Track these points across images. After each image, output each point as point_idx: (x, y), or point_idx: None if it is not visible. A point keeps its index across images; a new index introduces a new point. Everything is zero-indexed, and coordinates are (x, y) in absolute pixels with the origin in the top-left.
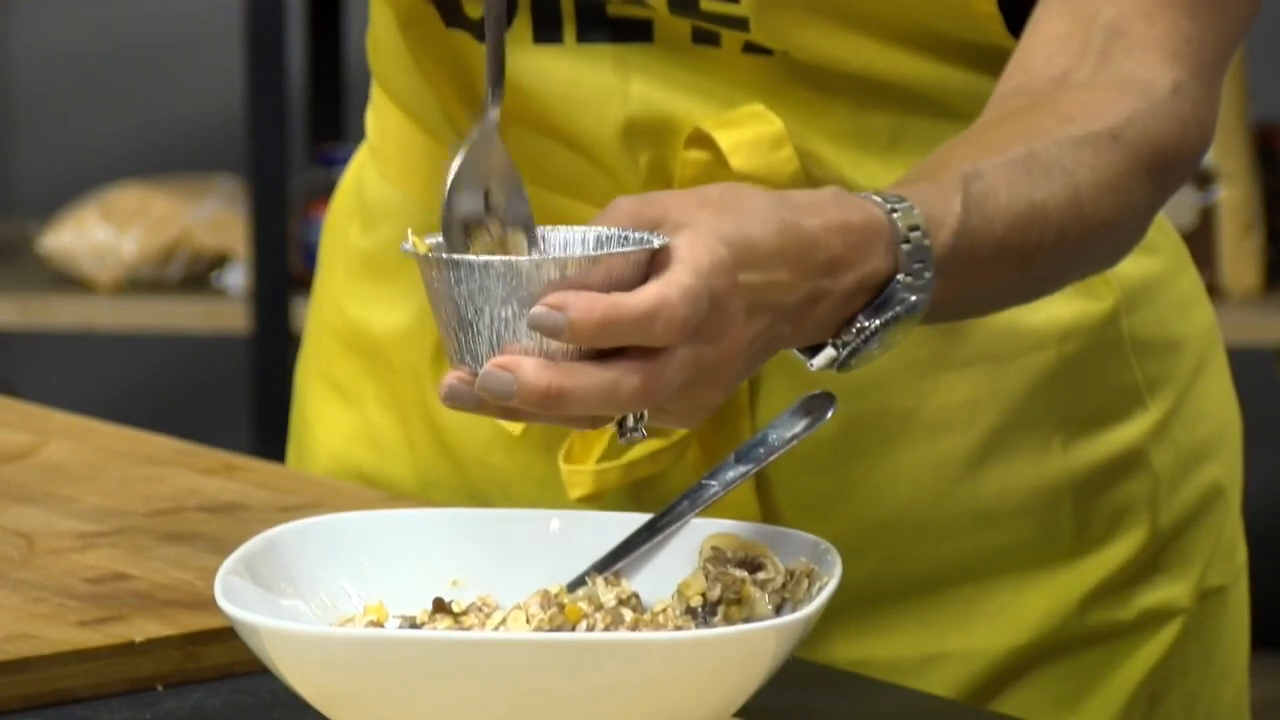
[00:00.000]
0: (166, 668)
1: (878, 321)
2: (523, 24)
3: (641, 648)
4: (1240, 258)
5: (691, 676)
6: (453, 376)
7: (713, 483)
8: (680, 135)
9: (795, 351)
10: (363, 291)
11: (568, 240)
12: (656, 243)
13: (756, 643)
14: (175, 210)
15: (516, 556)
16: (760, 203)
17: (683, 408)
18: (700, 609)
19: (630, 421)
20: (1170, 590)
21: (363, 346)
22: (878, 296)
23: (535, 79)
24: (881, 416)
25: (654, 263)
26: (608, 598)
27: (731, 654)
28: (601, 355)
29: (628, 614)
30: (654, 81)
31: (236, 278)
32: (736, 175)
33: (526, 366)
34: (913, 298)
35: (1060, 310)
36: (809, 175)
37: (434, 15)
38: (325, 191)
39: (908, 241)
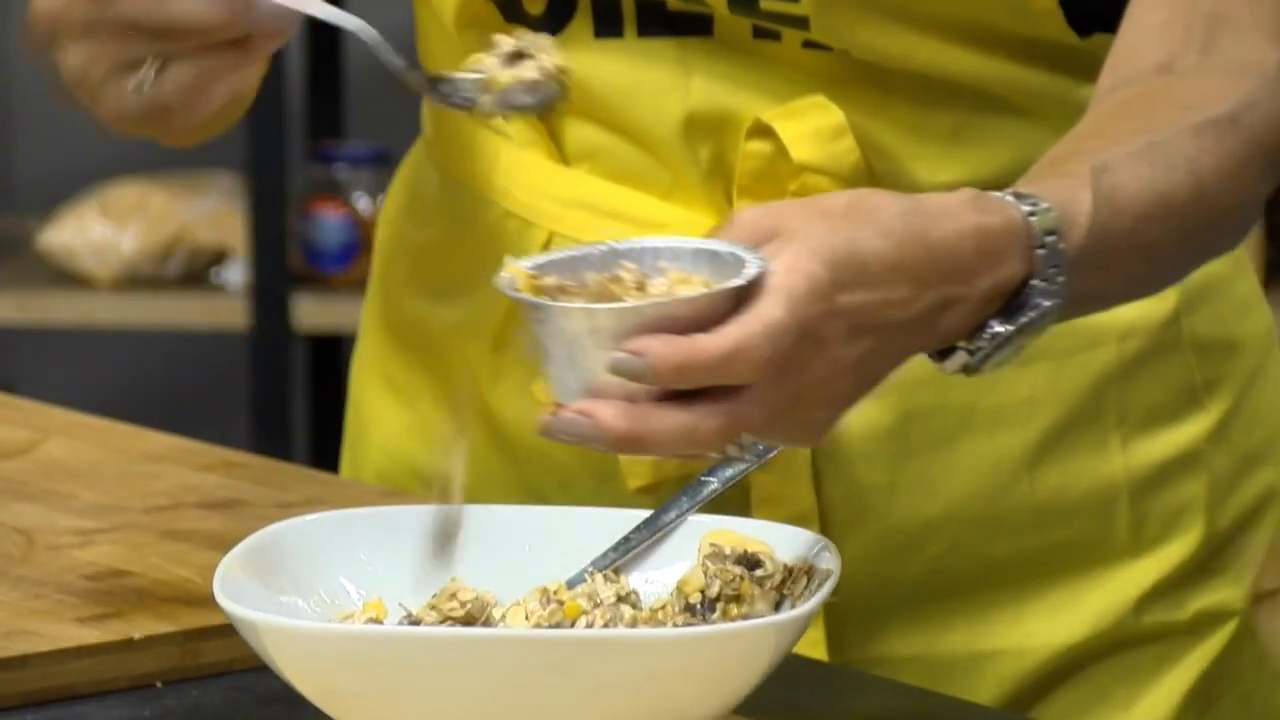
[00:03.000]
0: (166, 664)
1: (1012, 327)
2: (583, 19)
3: (640, 645)
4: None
5: (690, 673)
6: (547, 412)
7: (712, 479)
8: (741, 129)
9: (926, 356)
10: (418, 285)
11: (667, 251)
12: (747, 274)
13: (755, 640)
14: (174, 206)
15: (516, 553)
16: (887, 213)
17: (790, 430)
18: (699, 606)
19: (732, 449)
20: (1225, 592)
21: (418, 341)
22: (1013, 301)
23: (595, 74)
24: (939, 412)
25: (747, 287)
26: (607, 594)
27: (730, 651)
28: (686, 392)
29: (627, 611)
30: (714, 76)
31: (235, 274)
32: (798, 166)
33: (603, 412)
34: (1046, 303)
35: (1121, 309)
36: (870, 166)
37: (493, 12)
38: (324, 188)
39: (1043, 246)
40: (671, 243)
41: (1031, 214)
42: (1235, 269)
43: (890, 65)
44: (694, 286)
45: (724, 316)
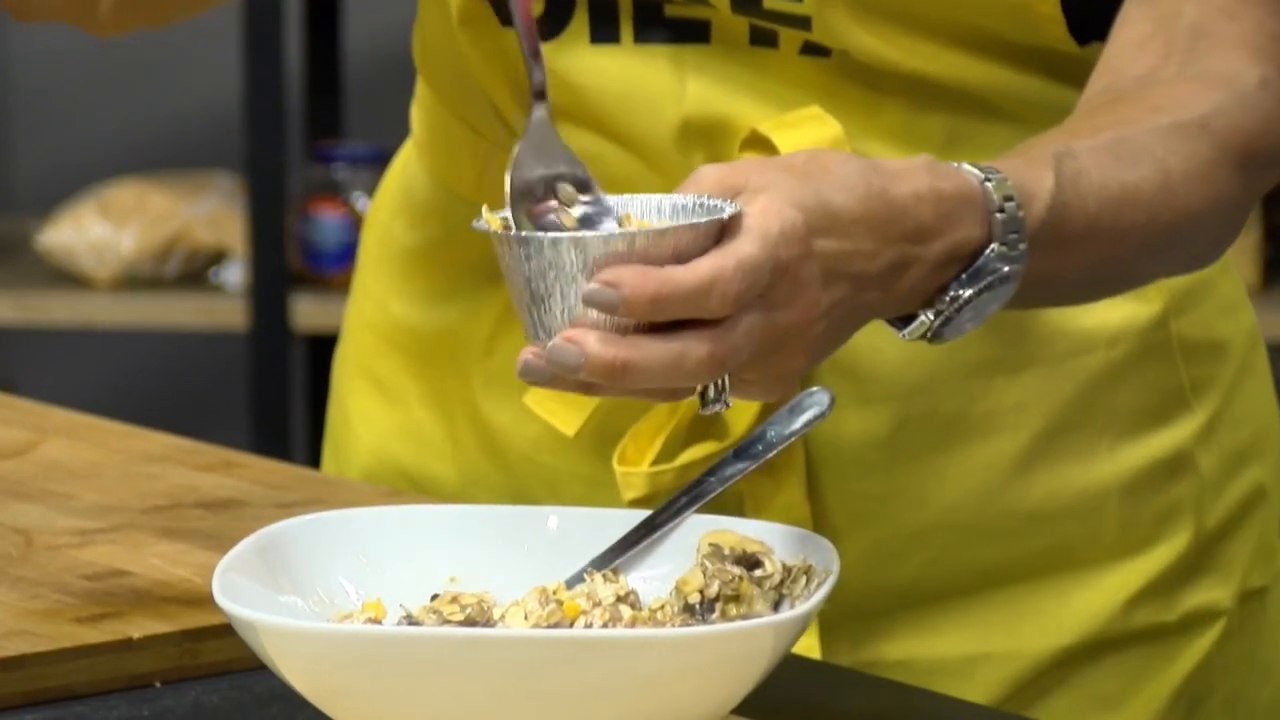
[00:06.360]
0: (164, 664)
1: (970, 291)
2: (580, 24)
3: (639, 645)
4: (1238, 255)
5: (689, 673)
6: (528, 352)
7: (711, 479)
8: (736, 136)
9: (886, 322)
10: (408, 288)
11: (644, 208)
12: (727, 212)
13: (754, 640)
14: (173, 207)
15: (514, 553)
16: (847, 169)
17: (762, 377)
18: (698, 606)
19: (711, 393)
20: (1213, 592)
21: (406, 344)
22: (971, 265)
23: (591, 79)
24: (931, 419)
25: (724, 230)
26: (606, 594)
27: (729, 651)
28: (669, 325)
29: (626, 611)
30: (710, 82)
31: (234, 274)
32: None
33: (592, 340)
34: (1006, 268)
35: (1109, 313)
36: None
37: (489, 14)
38: (323, 188)
39: (1002, 211)
40: (637, 198)
41: (987, 180)
42: (1220, 270)
43: (887, 69)
44: None
45: (702, 254)
